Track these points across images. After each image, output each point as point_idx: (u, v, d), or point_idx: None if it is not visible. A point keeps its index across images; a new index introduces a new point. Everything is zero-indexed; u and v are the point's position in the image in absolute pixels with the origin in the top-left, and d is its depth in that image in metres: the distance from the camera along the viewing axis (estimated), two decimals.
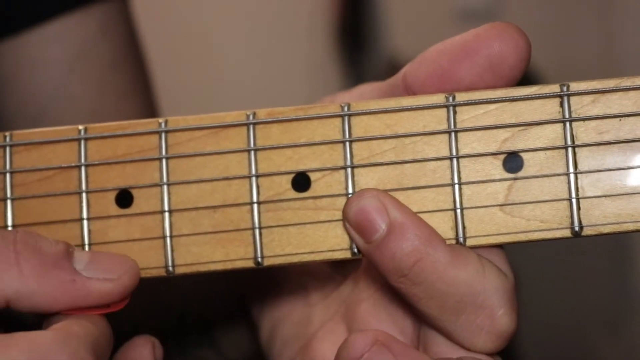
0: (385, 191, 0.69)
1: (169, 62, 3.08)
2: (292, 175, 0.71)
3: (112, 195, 0.73)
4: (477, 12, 3.43)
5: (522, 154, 0.69)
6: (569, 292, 3.26)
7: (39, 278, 0.66)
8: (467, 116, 0.69)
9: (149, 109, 1.08)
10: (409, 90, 0.71)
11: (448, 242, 0.69)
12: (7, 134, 0.74)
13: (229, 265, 0.72)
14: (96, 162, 0.73)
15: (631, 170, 0.67)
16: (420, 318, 0.71)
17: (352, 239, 0.69)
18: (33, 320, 0.71)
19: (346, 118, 0.71)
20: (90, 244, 0.73)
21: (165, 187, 0.72)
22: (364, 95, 0.75)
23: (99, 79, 1.03)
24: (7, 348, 0.62)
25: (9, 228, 0.73)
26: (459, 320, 0.67)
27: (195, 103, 3.38)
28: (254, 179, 0.71)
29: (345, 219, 0.69)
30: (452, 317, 0.67)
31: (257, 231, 0.71)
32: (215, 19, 3.48)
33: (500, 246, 0.70)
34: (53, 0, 1.01)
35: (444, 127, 0.69)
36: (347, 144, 0.70)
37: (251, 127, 0.72)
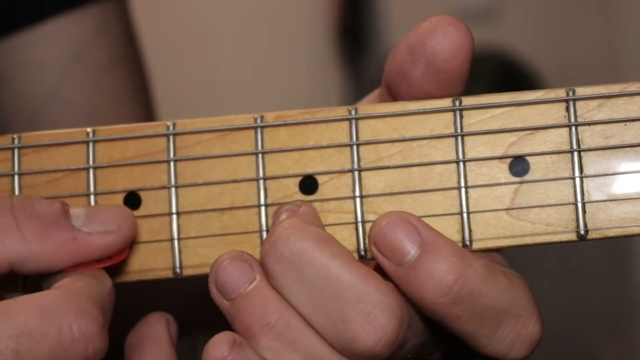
0: (394, 194, 0.70)
1: (167, 62, 3.08)
2: (299, 178, 0.72)
3: (120, 198, 0.74)
4: (477, 12, 3.43)
5: (528, 158, 0.69)
6: (568, 292, 3.27)
7: (41, 240, 0.66)
8: (473, 120, 0.70)
9: (146, 110, 1.08)
10: (387, 88, 0.72)
11: None
12: (16, 136, 0.75)
13: None
14: (104, 165, 0.74)
15: (636, 174, 0.68)
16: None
17: (380, 264, 0.68)
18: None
19: (353, 122, 0.71)
20: None
21: (173, 189, 0.73)
22: (371, 102, 0.76)
23: (95, 81, 1.04)
24: (15, 312, 0.63)
25: None
26: (497, 333, 0.66)
27: (194, 104, 3.38)
28: (261, 181, 0.72)
29: (372, 243, 0.68)
30: (490, 331, 0.66)
31: (265, 234, 0.71)
32: (214, 19, 3.48)
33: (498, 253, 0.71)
34: (49, 0, 1.01)
35: (451, 130, 0.70)
36: (355, 147, 0.71)
37: (259, 130, 0.72)
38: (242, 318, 0.68)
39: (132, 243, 0.71)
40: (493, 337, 0.67)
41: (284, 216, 0.69)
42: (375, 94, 0.76)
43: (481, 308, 0.66)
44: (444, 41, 0.68)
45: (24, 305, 0.63)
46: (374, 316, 0.65)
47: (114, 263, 0.70)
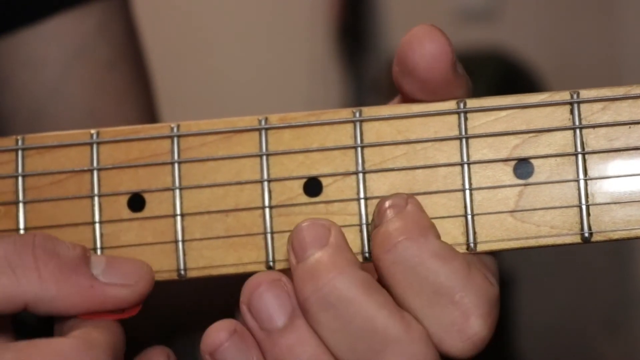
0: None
1: (168, 61, 3.08)
2: (304, 180, 0.72)
3: (124, 199, 0.74)
4: (477, 12, 3.44)
5: (532, 161, 0.69)
6: (569, 292, 3.27)
7: (58, 283, 0.67)
8: (477, 123, 0.70)
9: (148, 109, 1.08)
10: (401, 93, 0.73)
11: (459, 247, 0.69)
12: (19, 137, 0.75)
13: (240, 269, 0.72)
14: (108, 166, 0.74)
15: None
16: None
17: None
18: (33, 319, 0.71)
19: (358, 124, 0.71)
20: (102, 248, 0.73)
21: (177, 191, 0.73)
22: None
23: (96, 79, 1.03)
24: (29, 356, 0.63)
25: (21, 231, 0.74)
26: (433, 311, 0.66)
27: (195, 103, 3.38)
28: (266, 183, 0.72)
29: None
30: (426, 306, 0.66)
31: (269, 235, 0.72)
32: (216, 19, 3.48)
33: (494, 259, 0.71)
34: None
35: (455, 133, 0.70)
36: (359, 149, 0.71)
37: (263, 132, 0.72)
38: (276, 355, 0.67)
39: (146, 300, 0.71)
40: (429, 314, 0.67)
41: (317, 244, 0.68)
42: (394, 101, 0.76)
43: (420, 278, 0.66)
44: (420, 53, 0.68)
45: (41, 350, 0.64)
46: None
47: (125, 317, 0.70)
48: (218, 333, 0.68)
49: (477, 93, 0.72)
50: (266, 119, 0.72)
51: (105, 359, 0.65)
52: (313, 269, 0.67)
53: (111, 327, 0.68)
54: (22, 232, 0.74)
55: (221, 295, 0.93)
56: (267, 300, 0.67)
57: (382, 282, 0.68)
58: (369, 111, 0.71)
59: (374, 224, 0.69)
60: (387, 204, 0.68)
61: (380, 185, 0.71)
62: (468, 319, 0.66)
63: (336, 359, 0.67)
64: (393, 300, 0.67)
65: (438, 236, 0.68)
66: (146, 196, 0.73)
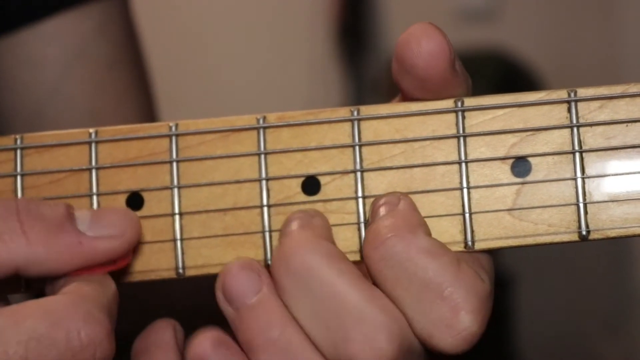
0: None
1: (168, 61, 3.08)
2: (302, 179, 0.72)
3: (122, 198, 0.74)
4: (477, 12, 3.44)
5: (530, 159, 0.69)
6: (568, 292, 3.27)
7: (46, 244, 0.66)
8: (475, 121, 0.70)
9: (148, 109, 1.08)
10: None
11: (457, 245, 0.69)
12: (18, 136, 0.75)
13: None
14: (107, 165, 0.74)
15: (638, 175, 0.68)
16: None
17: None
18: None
19: (356, 122, 0.71)
20: None
21: (175, 190, 0.73)
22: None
23: (96, 79, 1.03)
24: (23, 318, 0.62)
25: None
26: (422, 306, 0.66)
27: (194, 103, 3.38)
28: (264, 182, 0.72)
29: None
30: (415, 302, 0.67)
31: (267, 234, 0.72)
32: (215, 19, 3.48)
33: (490, 257, 0.71)
34: None
35: (453, 131, 0.70)
36: (357, 148, 0.71)
37: (261, 131, 0.72)
38: (245, 330, 0.68)
39: (136, 247, 0.71)
40: (418, 310, 0.67)
41: (294, 225, 0.69)
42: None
43: (408, 273, 0.66)
44: (418, 51, 0.68)
45: (32, 310, 0.63)
46: (374, 338, 0.65)
47: (118, 268, 0.69)
48: (203, 343, 0.68)
49: (476, 93, 0.72)
50: (264, 118, 0.72)
51: (98, 313, 0.64)
52: (284, 241, 0.68)
53: (103, 281, 0.68)
54: (10, 198, 0.73)
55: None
56: (238, 280, 0.69)
57: (373, 279, 0.68)
58: (366, 110, 0.71)
59: (369, 222, 0.69)
60: (380, 202, 0.69)
61: (378, 183, 0.71)
62: (457, 314, 0.66)
63: (303, 328, 0.67)
64: (357, 270, 0.68)
65: (428, 233, 0.68)
66: (145, 195, 0.73)
